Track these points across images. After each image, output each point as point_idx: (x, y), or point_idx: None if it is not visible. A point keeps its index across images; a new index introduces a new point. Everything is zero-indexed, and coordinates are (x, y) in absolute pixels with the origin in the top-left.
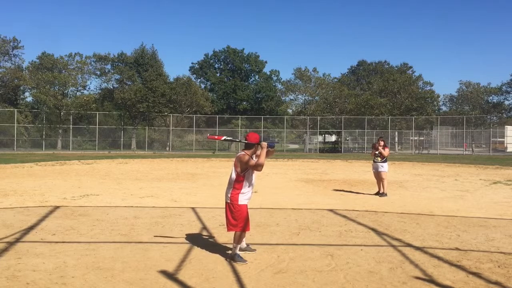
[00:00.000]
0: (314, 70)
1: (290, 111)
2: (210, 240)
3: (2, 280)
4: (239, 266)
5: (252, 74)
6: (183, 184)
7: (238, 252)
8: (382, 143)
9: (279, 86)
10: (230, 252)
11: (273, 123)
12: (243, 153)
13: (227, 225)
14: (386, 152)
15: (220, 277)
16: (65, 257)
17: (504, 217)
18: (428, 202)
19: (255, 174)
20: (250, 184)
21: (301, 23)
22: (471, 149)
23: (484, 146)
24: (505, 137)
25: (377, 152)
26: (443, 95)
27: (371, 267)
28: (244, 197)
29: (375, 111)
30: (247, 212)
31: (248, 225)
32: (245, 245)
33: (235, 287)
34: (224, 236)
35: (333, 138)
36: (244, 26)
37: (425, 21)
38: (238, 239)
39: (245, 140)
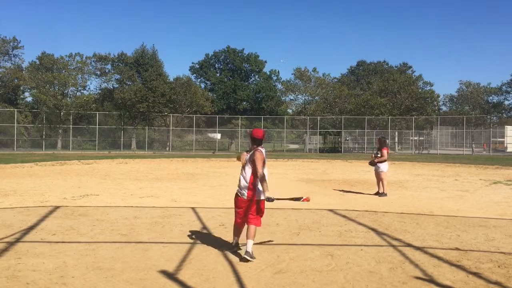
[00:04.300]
0: (314, 70)
1: (290, 111)
2: (210, 240)
3: (2, 280)
4: (239, 266)
5: (252, 74)
6: (183, 184)
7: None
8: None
9: (279, 86)
10: (247, 249)
11: (273, 123)
12: (257, 150)
13: (256, 221)
14: (384, 153)
15: (220, 277)
16: (65, 257)
17: (504, 217)
18: (428, 202)
19: (267, 170)
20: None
21: (301, 23)
22: (471, 149)
23: (484, 148)
24: (505, 137)
25: (375, 155)
26: (443, 95)
27: (371, 267)
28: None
29: (375, 111)
30: (237, 206)
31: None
32: (236, 242)
33: (235, 287)
34: (224, 236)
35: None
36: (244, 26)
37: (425, 21)
38: (255, 234)
39: (251, 136)
